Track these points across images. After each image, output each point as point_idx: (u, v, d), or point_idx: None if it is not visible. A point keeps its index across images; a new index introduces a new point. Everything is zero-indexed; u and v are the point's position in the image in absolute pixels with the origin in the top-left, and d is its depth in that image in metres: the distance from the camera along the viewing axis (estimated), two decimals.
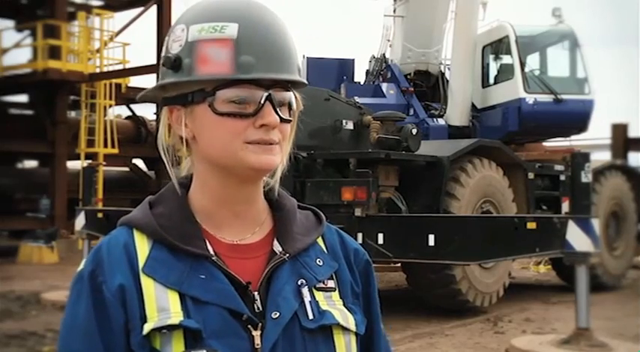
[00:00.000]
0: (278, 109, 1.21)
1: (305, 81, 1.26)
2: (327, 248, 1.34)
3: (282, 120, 1.22)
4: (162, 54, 1.26)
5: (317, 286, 1.27)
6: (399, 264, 10.39)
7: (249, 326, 1.19)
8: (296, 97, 1.26)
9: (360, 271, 1.35)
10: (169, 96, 1.26)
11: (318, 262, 1.29)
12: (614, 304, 10.48)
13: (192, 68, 1.21)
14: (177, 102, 1.24)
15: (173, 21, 1.31)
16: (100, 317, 1.18)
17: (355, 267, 1.34)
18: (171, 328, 1.15)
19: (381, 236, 8.29)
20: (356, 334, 1.28)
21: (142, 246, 1.23)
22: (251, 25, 1.20)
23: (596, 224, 7.28)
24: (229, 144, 1.20)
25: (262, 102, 1.19)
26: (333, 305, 1.27)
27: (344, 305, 1.29)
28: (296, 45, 1.26)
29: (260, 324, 1.19)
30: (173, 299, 1.18)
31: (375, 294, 1.37)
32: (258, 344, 1.18)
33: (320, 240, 1.34)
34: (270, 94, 1.20)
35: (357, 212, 8.49)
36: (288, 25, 1.26)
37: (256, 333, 1.19)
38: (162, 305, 1.17)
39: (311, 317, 1.23)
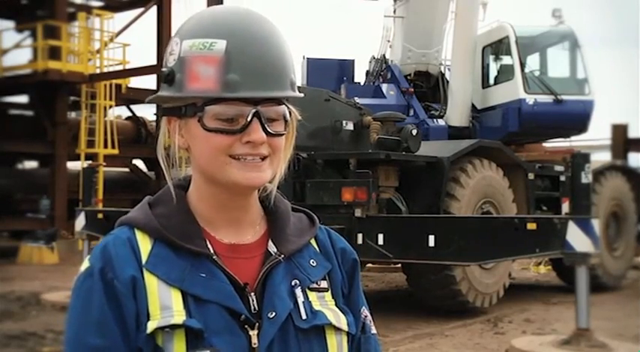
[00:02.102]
0: (267, 125, 1.22)
1: (298, 94, 1.27)
2: (320, 248, 1.36)
3: (272, 135, 1.23)
4: (163, 65, 1.29)
5: (310, 286, 1.29)
6: (399, 265, 10.40)
7: (247, 325, 1.21)
8: (290, 110, 1.27)
9: (346, 271, 1.37)
10: (167, 107, 1.29)
11: (311, 263, 1.32)
12: (614, 304, 10.48)
13: (182, 83, 1.23)
14: (173, 114, 1.28)
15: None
16: (114, 310, 1.19)
17: (343, 266, 1.37)
18: (174, 327, 1.17)
19: (381, 236, 8.28)
20: (348, 334, 1.30)
21: (145, 245, 1.25)
22: (240, 41, 1.21)
23: (596, 224, 7.28)
24: (216, 158, 1.23)
25: (249, 119, 1.21)
26: (326, 305, 1.30)
27: (336, 305, 1.31)
28: (291, 57, 1.26)
29: (257, 324, 1.22)
30: (176, 298, 1.20)
31: (359, 292, 1.38)
32: (255, 343, 1.21)
33: (313, 241, 1.36)
34: (257, 111, 1.21)
35: (357, 212, 8.49)
36: (284, 37, 1.26)
37: (253, 332, 1.21)
38: (165, 303, 1.19)
39: (304, 317, 1.26)
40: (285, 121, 1.26)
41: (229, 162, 1.22)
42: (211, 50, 1.21)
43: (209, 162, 1.24)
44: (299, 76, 14.14)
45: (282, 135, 1.26)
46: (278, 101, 1.24)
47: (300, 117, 1.30)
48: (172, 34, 1.33)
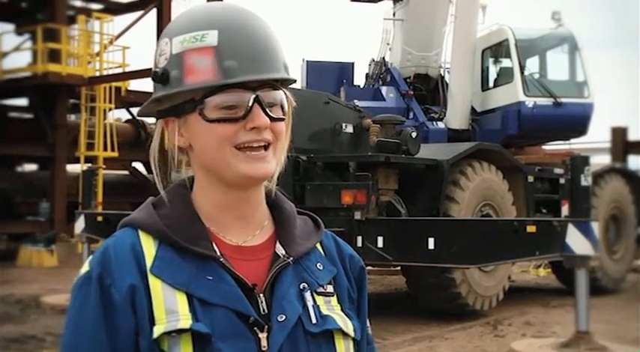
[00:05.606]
0: (268, 110, 1.22)
1: (293, 77, 1.27)
2: (325, 253, 1.35)
3: (274, 119, 1.23)
4: (152, 69, 1.28)
5: (318, 290, 1.28)
6: (398, 268, 10.40)
7: (256, 328, 1.19)
8: (287, 95, 1.27)
9: (355, 277, 1.36)
10: (163, 108, 1.28)
11: (318, 266, 1.30)
12: (614, 307, 10.47)
13: (179, 79, 1.23)
14: (171, 114, 1.27)
15: None
16: (108, 322, 1.17)
17: (351, 273, 1.36)
18: (180, 332, 1.15)
19: (380, 239, 8.28)
20: (354, 339, 1.29)
21: (149, 247, 1.23)
22: (231, 29, 1.22)
23: (595, 227, 7.28)
24: (220, 149, 1.21)
25: (250, 104, 1.21)
26: (333, 310, 1.28)
27: (342, 310, 1.30)
28: (280, 44, 1.27)
29: (266, 326, 1.20)
30: (181, 301, 1.18)
31: (366, 300, 1.38)
32: (264, 347, 1.19)
33: (318, 245, 1.35)
34: (257, 96, 1.21)
35: (357, 215, 8.49)
36: (271, 26, 1.27)
37: (262, 335, 1.19)
38: (170, 307, 1.17)
39: (314, 321, 1.24)
40: (282, 108, 1.26)
41: (235, 155, 1.21)
42: (204, 41, 1.21)
43: (214, 155, 1.22)
44: (299, 78, 14.16)
45: (283, 119, 1.26)
46: (274, 86, 1.24)
47: (295, 104, 1.30)
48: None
